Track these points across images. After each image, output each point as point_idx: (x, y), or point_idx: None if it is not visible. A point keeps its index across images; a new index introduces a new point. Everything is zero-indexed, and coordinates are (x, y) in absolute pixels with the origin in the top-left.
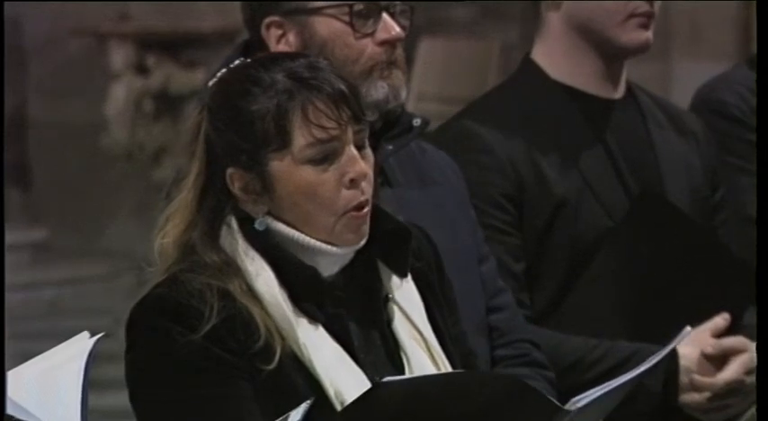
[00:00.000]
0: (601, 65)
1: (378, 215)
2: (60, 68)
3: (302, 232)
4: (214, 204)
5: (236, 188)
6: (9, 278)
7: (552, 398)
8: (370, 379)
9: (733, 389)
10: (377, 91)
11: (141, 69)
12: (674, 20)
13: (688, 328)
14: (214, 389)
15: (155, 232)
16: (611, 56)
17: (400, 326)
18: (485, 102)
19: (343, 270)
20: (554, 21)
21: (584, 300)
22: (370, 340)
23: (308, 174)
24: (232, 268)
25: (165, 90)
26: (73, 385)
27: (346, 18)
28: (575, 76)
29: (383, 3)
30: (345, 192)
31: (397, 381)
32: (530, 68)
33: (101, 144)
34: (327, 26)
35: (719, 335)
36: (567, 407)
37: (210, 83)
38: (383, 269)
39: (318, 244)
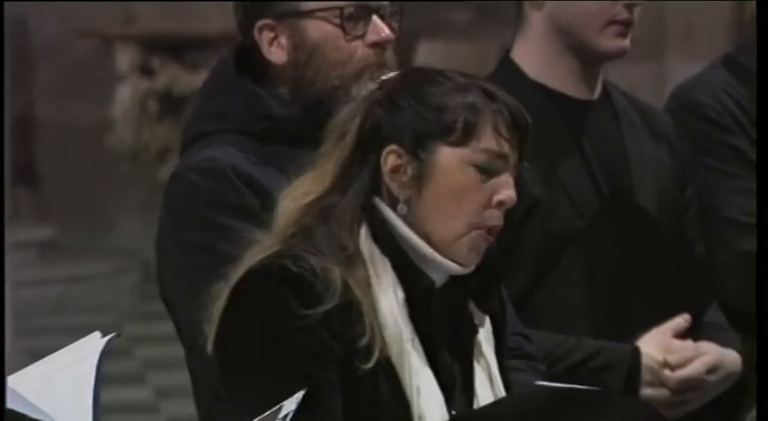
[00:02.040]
0: (578, 67)
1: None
2: (67, 70)
3: (427, 233)
4: (366, 179)
5: (388, 165)
6: (17, 275)
7: None
8: (448, 409)
9: (693, 385)
10: None
11: (146, 71)
12: (668, 21)
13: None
14: (310, 364)
15: (282, 194)
16: (588, 59)
17: (477, 363)
18: None
19: (440, 290)
20: (536, 21)
21: (552, 295)
22: (450, 365)
23: (470, 177)
24: (359, 258)
25: (170, 91)
26: (85, 383)
27: (337, 21)
28: (552, 77)
29: (373, 5)
30: (489, 211)
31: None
32: (509, 67)
33: (106, 144)
34: (318, 29)
35: (680, 334)
36: None
37: (385, 76)
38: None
39: (442, 259)
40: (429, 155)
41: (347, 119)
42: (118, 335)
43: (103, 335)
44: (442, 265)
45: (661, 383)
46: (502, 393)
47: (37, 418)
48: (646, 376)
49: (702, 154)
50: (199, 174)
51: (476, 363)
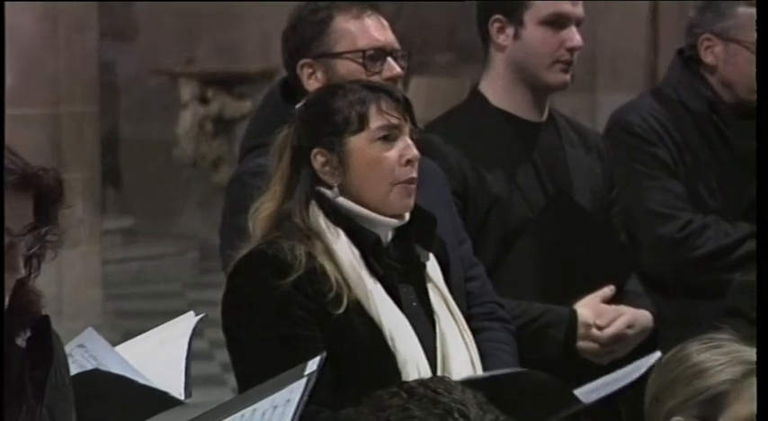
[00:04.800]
0: (530, 96)
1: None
2: (143, 99)
3: (363, 201)
4: (305, 180)
5: (318, 163)
6: (106, 255)
7: (574, 393)
8: (414, 328)
9: (617, 339)
10: None
11: (203, 100)
12: (599, 62)
13: (658, 353)
14: (292, 327)
15: (250, 213)
16: (538, 90)
17: (430, 289)
18: (443, 121)
19: (392, 242)
20: (498, 60)
21: (509, 272)
22: (410, 296)
23: (377, 149)
24: (315, 233)
25: (221, 115)
26: (179, 356)
27: (360, 60)
28: (510, 104)
29: (388, 49)
30: (401, 169)
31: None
32: (477, 97)
33: (173, 155)
34: (346, 67)
35: (607, 300)
36: (584, 400)
37: (298, 105)
38: (416, 246)
39: (377, 216)
40: (342, 146)
41: (282, 143)
42: (206, 316)
43: (190, 314)
44: (379, 221)
45: (592, 339)
46: (455, 310)
47: (142, 383)
48: (580, 331)
49: (631, 160)
50: (251, 176)
51: (429, 289)
